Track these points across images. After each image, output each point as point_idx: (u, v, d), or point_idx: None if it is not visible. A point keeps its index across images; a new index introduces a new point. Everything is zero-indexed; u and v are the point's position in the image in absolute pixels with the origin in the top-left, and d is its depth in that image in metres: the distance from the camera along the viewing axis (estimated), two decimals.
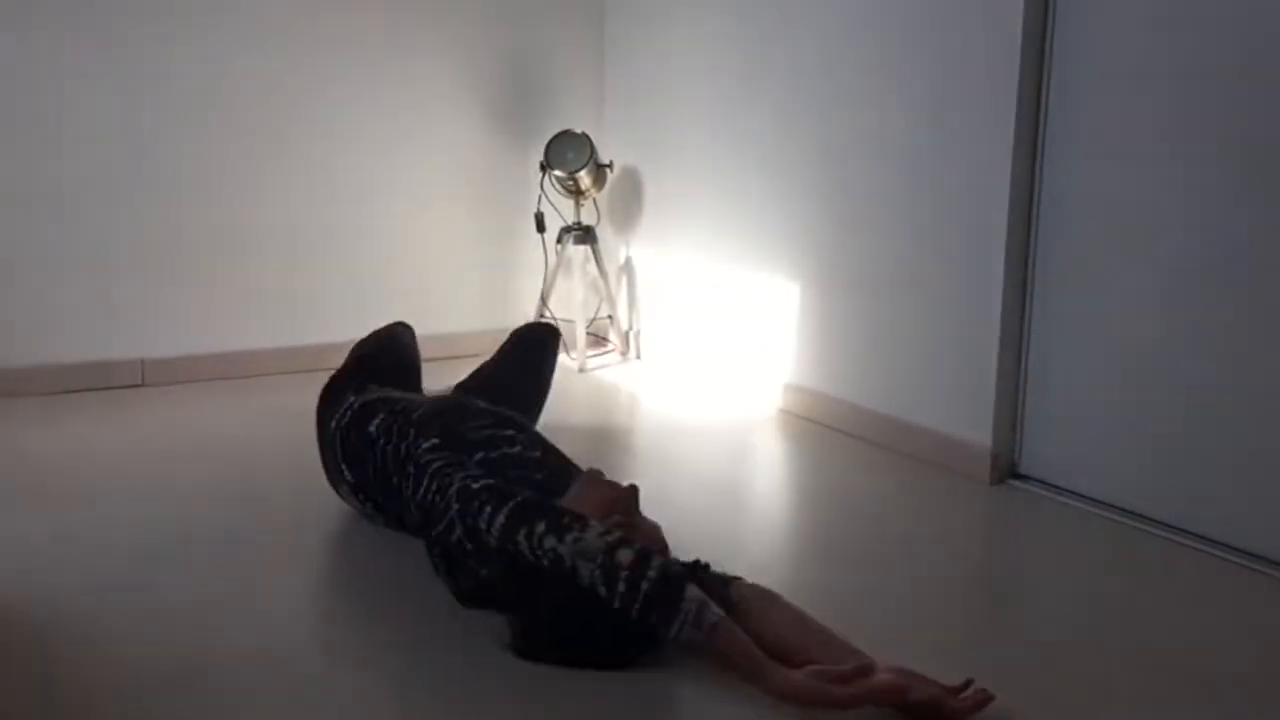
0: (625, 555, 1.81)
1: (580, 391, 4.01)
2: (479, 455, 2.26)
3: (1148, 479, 2.77)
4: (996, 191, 2.96)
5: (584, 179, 4.21)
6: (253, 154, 3.98)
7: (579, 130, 4.24)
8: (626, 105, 4.47)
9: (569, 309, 4.36)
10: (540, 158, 4.24)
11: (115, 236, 3.81)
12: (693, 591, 1.79)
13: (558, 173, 4.19)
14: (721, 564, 2.50)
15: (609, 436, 3.59)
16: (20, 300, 3.69)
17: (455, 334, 4.35)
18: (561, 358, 4.36)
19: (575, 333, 4.27)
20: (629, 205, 4.50)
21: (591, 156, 4.17)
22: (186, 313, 3.92)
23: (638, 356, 4.49)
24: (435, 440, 2.26)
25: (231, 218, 3.97)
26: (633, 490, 2.11)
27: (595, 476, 2.21)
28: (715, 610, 1.79)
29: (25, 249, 3.68)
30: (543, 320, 3.12)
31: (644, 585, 1.78)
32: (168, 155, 3.85)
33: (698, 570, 2.03)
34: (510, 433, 2.38)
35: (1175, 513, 2.71)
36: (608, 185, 4.41)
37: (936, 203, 3.15)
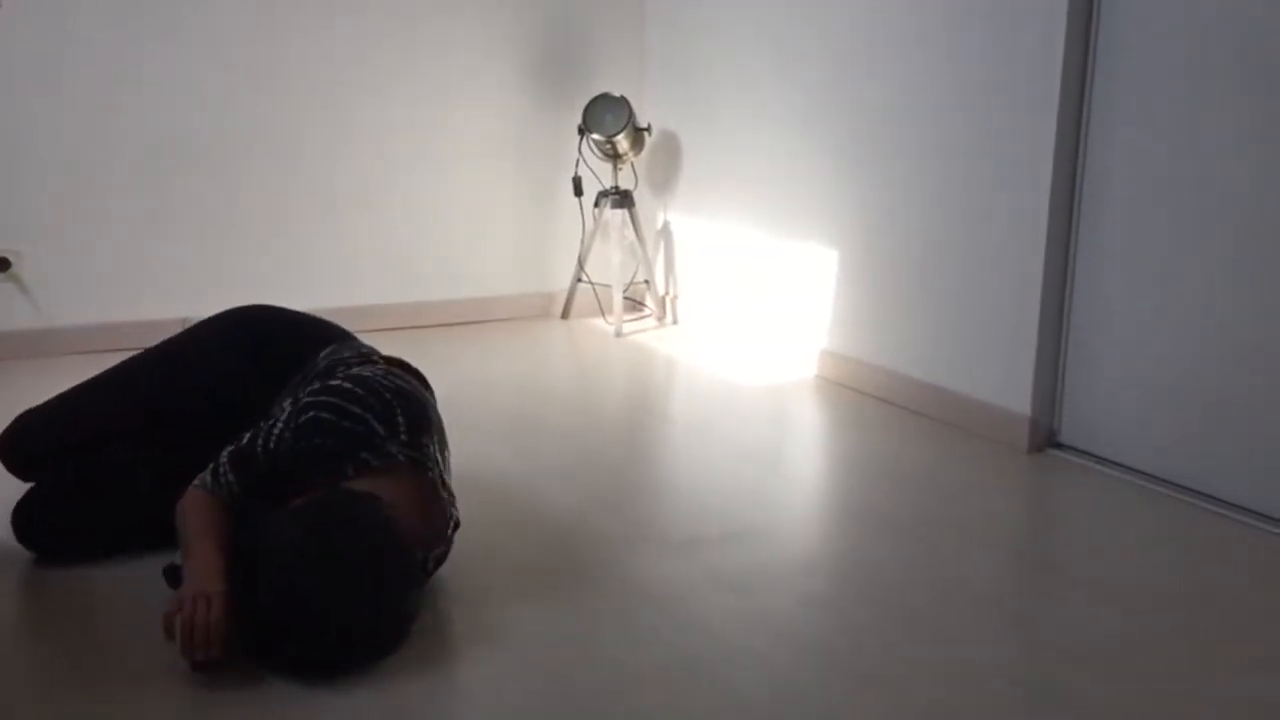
0: None
1: (616, 356, 4.02)
2: None
3: (1187, 448, 2.75)
4: (1040, 159, 2.93)
5: (622, 143, 4.19)
6: (296, 120, 3.99)
7: (618, 94, 4.22)
8: (666, 69, 4.45)
9: (606, 273, 4.37)
10: (579, 121, 4.23)
11: (164, 198, 3.83)
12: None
13: (596, 136, 4.18)
14: (758, 531, 2.53)
15: (645, 402, 3.60)
16: (68, 260, 3.73)
17: (492, 298, 4.36)
18: (598, 322, 4.40)
19: (612, 297, 4.27)
20: (667, 170, 4.49)
21: (630, 120, 4.16)
22: (232, 273, 3.95)
23: (674, 321, 4.49)
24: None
25: (274, 181, 3.99)
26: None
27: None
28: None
29: (77, 209, 3.72)
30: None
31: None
32: (218, 121, 3.86)
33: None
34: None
35: (1212, 483, 2.69)
36: (646, 149, 4.39)
37: (977, 169, 3.12)
